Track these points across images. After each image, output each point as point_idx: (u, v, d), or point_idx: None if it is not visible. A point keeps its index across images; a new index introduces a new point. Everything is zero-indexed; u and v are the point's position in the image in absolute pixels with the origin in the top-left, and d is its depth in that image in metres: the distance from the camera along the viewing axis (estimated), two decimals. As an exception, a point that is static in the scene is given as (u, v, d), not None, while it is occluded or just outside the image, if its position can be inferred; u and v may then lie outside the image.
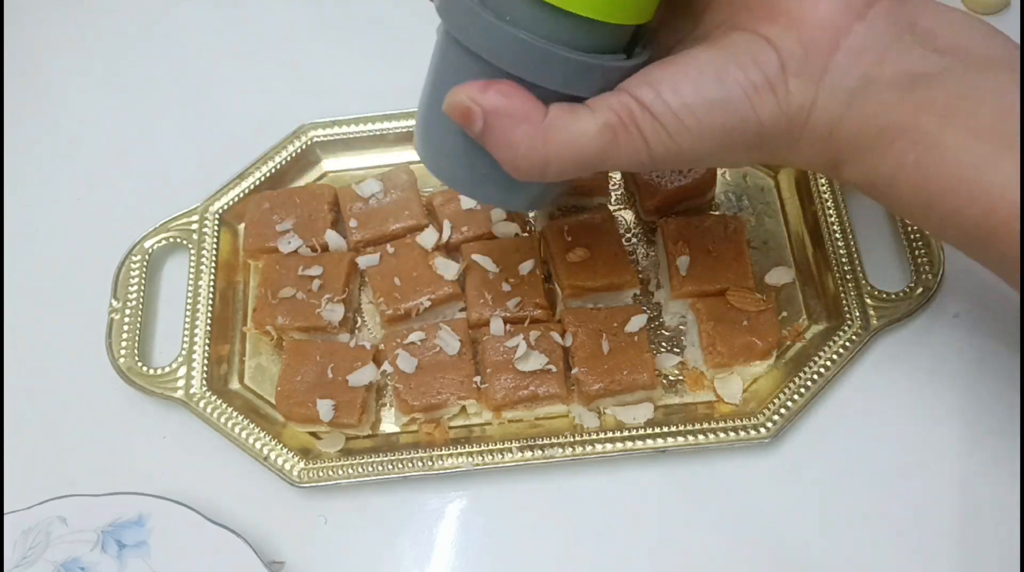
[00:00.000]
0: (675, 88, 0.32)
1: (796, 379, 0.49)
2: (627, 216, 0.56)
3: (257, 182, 0.58)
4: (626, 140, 0.33)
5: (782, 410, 0.48)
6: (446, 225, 0.54)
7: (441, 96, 0.34)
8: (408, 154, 0.60)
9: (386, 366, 0.50)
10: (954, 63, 0.32)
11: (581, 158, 0.33)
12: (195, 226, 0.57)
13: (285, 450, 0.49)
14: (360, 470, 0.48)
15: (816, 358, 0.49)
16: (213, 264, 0.55)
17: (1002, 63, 0.33)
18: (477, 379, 0.49)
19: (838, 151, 0.34)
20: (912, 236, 0.52)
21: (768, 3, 0.33)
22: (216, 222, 0.57)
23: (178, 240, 0.56)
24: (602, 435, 0.48)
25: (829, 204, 0.53)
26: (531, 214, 0.55)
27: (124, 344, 0.53)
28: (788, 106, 0.33)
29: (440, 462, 0.48)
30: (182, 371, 0.52)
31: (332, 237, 0.55)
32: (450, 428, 0.50)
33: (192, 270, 0.55)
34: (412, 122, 0.59)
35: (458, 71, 0.34)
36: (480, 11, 0.32)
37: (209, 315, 0.54)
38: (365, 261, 0.53)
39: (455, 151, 0.37)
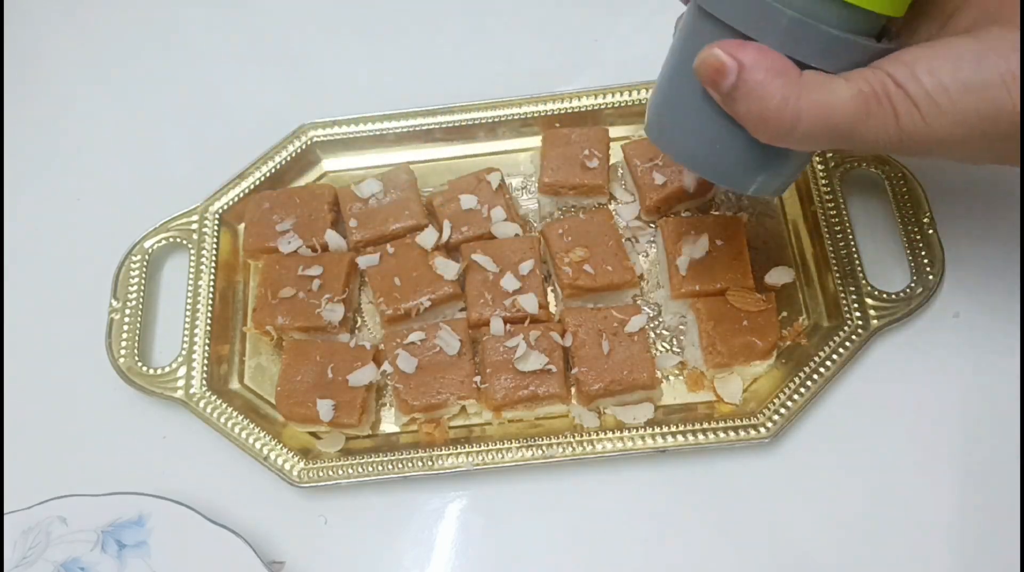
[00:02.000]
0: (931, 69, 0.33)
1: (796, 379, 0.49)
2: (627, 216, 0.56)
3: (257, 182, 0.58)
4: (878, 113, 0.33)
5: (782, 410, 0.48)
6: (446, 225, 0.54)
7: (688, 67, 0.35)
8: (408, 154, 0.60)
9: (386, 366, 0.50)
10: None
11: (831, 123, 0.34)
12: (195, 226, 0.57)
13: (285, 450, 0.49)
14: (360, 470, 0.48)
15: (816, 358, 0.49)
16: (213, 264, 0.55)
17: None
18: (477, 379, 0.49)
19: None
20: (912, 236, 0.52)
21: None
22: (216, 222, 0.57)
23: (178, 240, 0.56)
24: (602, 435, 0.48)
25: (829, 204, 0.53)
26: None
27: (124, 344, 0.53)
28: None
29: (440, 462, 0.48)
30: (182, 371, 0.52)
31: (332, 237, 0.55)
32: (450, 428, 0.50)
33: (192, 270, 0.55)
34: (412, 122, 0.59)
35: (704, 38, 0.35)
36: None
37: (209, 315, 0.54)
38: (365, 261, 0.53)
39: (695, 124, 0.38)
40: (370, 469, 0.48)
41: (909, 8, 0.36)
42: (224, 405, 0.50)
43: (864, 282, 0.51)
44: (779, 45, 0.34)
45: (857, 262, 0.52)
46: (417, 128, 0.59)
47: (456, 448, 0.49)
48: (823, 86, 0.34)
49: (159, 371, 0.52)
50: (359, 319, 0.55)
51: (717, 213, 0.55)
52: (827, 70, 0.34)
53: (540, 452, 0.48)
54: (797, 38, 0.34)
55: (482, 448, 0.48)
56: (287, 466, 0.49)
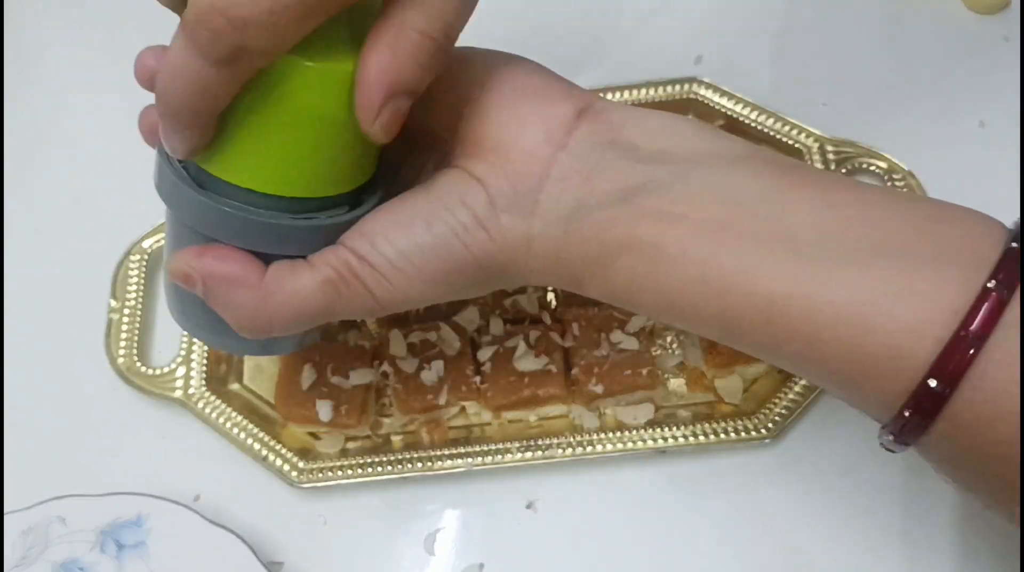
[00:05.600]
0: (388, 237, 0.33)
1: (796, 379, 0.49)
2: (627, 216, 0.56)
3: (257, 182, 0.58)
4: (348, 292, 0.33)
5: (782, 410, 0.48)
6: (446, 225, 0.54)
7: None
8: (408, 154, 0.59)
9: (386, 366, 0.50)
10: (657, 169, 0.32)
11: (304, 314, 0.33)
12: (195, 226, 0.57)
13: (285, 450, 0.49)
14: (359, 471, 0.48)
15: (816, 358, 0.49)
16: (213, 264, 0.55)
17: (704, 157, 0.33)
18: (477, 379, 0.49)
19: (571, 272, 0.34)
20: (912, 236, 0.52)
21: (475, 140, 0.33)
22: (216, 222, 0.57)
23: (177, 240, 0.56)
24: (602, 435, 0.48)
25: (829, 204, 0.53)
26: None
27: (123, 344, 0.53)
28: (504, 241, 0.33)
29: (440, 463, 0.48)
30: (181, 371, 0.52)
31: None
32: (450, 428, 0.50)
33: (191, 270, 0.55)
34: (412, 122, 0.59)
35: (181, 239, 0.35)
36: (181, 184, 0.33)
37: (208, 315, 0.53)
38: (365, 261, 0.53)
39: (195, 310, 0.37)
40: (370, 470, 0.48)
41: (377, 166, 0.35)
42: (223, 405, 0.50)
43: (864, 282, 0.51)
44: (238, 241, 0.33)
45: (857, 262, 0.51)
46: (417, 128, 0.59)
47: (456, 449, 0.48)
48: (286, 285, 0.33)
49: (158, 371, 0.52)
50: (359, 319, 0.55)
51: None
52: (298, 255, 0.33)
53: (540, 453, 0.48)
54: (249, 233, 0.32)
55: (482, 449, 0.48)
56: (286, 467, 0.48)
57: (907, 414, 0.29)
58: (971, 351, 0.27)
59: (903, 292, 0.28)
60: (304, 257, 0.34)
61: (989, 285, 0.27)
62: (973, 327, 0.27)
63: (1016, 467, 0.28)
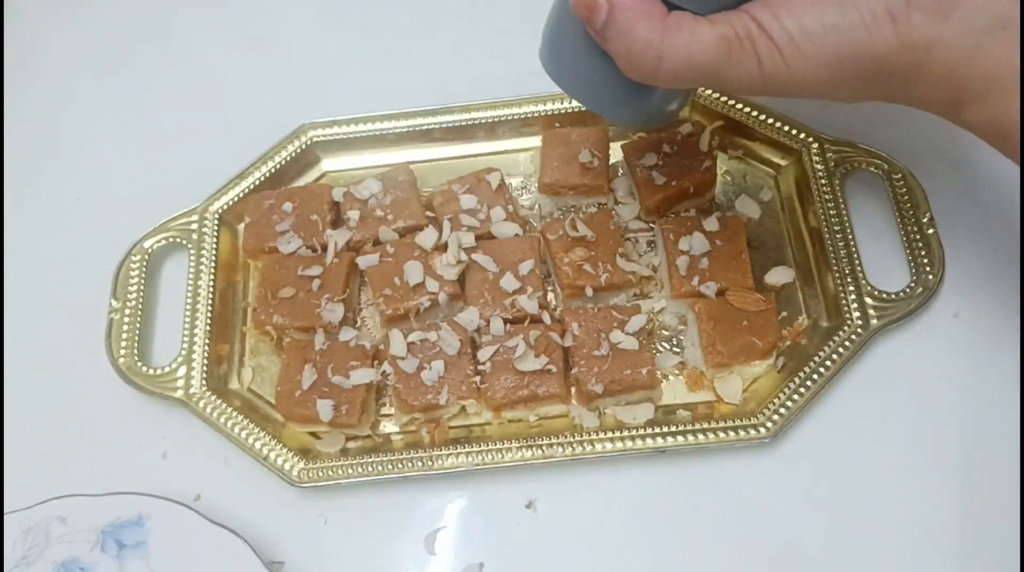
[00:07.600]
0: (793, 12, 0.33)
1: (796, 379, 0.49)
2: (627, 216, 0.56)
3: (257, 182, 0.58)
4: (740, 56, 0.34)
5: (782, 410, 0.48)
6: (446, 225, 0.54)
7: (568, 4, 0.37)
8: (408, 154, 0.60)
9: (386, 366, 0.50)
10: None
11: (694, 63, 0.34)
12: (195, 226, 0.57)
13: (285, 450, 0.49)
14: (360, 470, 0.48)
15: (816, 358, 0.49)
16: (213, 264, 0.55)
17: None
18: (477, 379, 0.49)
19: (962, 91, 0.33)
20: (912, 236, 0.52)
21: None
22: (216, 222, 0.57)
23: (178, 240, 0.56)
24: (602, 435, 0.48)
25: (829, 204, 0.53)
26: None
27: (124, 344, 0.53)
28: (908, 39, 0.32)
29: (440, 462, 0.48)
30: (182, 371, 0.52)
31: (332, 237, 0.55)
32: (450, 428, 0.50)
33: (192, 270, 0.55)
34: (411, 122, 0.59)
35: None
36: None
37: (209, 315, 0.54)
38: (365, 261, 0.53)
39: (575, 59, 0.39)
40: (370, 469, 0.48)
41: None
42: (224, 405, 0.50)
43: (864, 282, 0.51)
44: None
45: (857, 262, 0.51)
46: (417, 128, 0.59)
47: (456, 448, 0.49)
48: (686, 29, 0.34)
49: (159, 371, 0.52)
50: (359, 319, 0.55)
51: (717, 213, 0.55)
52: (697, 11, 0.35)
53: (540, 452, 0.48)
54: None
55: (482, 448, 0.48)
56: (287, 466, 0.49)
57: None
58: None
59: None
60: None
61: None
62: None
63: None
